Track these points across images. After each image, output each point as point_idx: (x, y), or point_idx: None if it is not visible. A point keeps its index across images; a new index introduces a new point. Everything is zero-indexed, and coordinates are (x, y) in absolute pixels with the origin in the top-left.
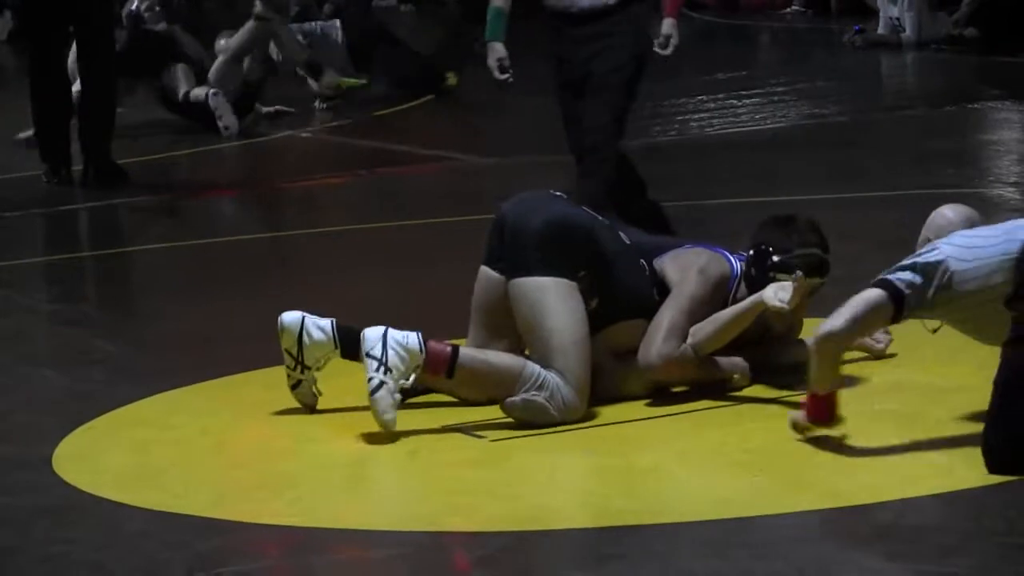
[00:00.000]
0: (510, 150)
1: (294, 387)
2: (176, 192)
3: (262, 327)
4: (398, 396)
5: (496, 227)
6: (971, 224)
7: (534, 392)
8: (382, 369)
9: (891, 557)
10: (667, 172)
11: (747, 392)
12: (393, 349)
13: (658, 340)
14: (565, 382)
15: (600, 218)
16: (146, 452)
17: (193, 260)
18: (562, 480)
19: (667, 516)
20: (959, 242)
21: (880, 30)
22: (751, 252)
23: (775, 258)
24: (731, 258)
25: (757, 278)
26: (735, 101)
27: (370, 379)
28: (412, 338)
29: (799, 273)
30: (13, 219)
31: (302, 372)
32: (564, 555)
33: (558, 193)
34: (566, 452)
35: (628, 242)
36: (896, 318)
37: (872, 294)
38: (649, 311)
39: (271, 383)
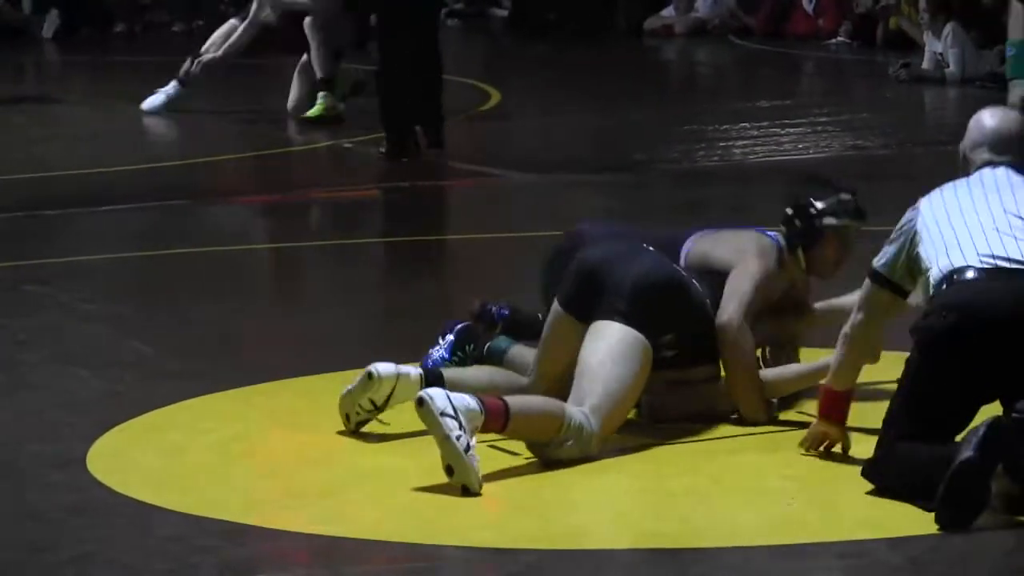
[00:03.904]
0: (551, 167)
1: (359, 426)
2: (213, 196)
3: (299, 335)
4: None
5: (582, 274)
6: (1008, 131)
7: (571, 442)
8: (464, 429)
9: None
10: (708, 197)
11: (783, 419)
12: (461, 413)
13: (731, 307)
14: (594, 425)
15: (685, 273)
16: (179, 455)
17: (233, 265)
18: (595, 500)
19: (701, 541)
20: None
21: (925, 65)
22: (790, 211)
23: (819, 204)
24: (768, 233)
25: (804, 230)
26: (778, 129)
27: (458, 437)
28: (472, 401)
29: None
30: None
31: (374, 413)
32: (595, 575)
33: (646, 246)
34: (600, 472)
35: (703, 292)
36: (897, 293)
37: (866, 282)
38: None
39: (305, 391)
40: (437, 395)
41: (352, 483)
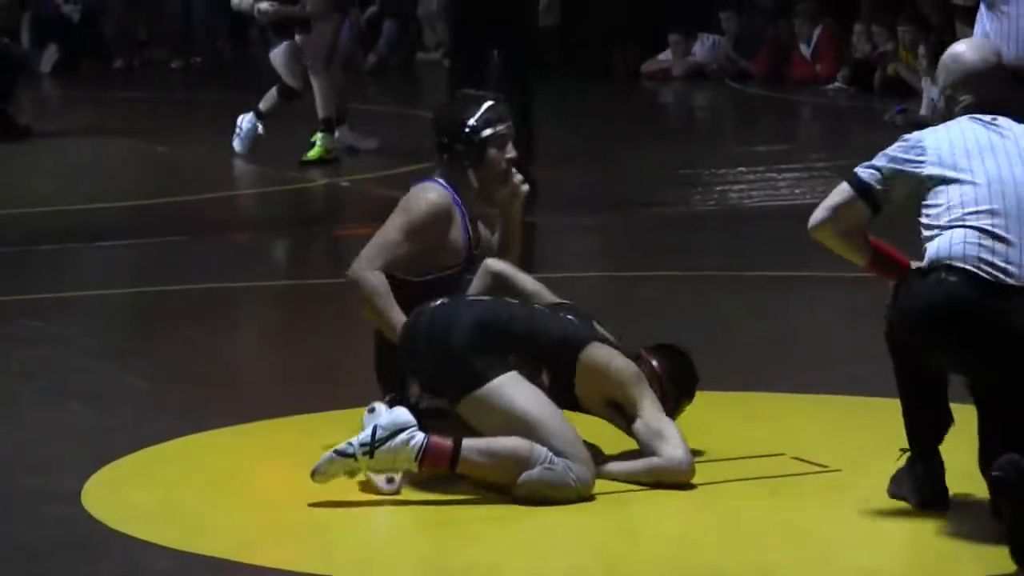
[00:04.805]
0: (544, 209)
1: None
2: (211, 233)
3: (295, 372)
4: (350, 471)
5: (416, 365)
6: (988, 66)
7: (548, 466)
8: (366, 450)
9: None
10: (704, 240)
11: (779, 469)
12: (390, 447)
13: (354, 260)
14: (572, 459)
15: (489, 299)
16: (173, 491)
17: (230, 302)
18: (588, 540)
19: None
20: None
21: (923, 111)
22: (445, 139)
23: (471, 121)
24: (423, 181)
25: (466, 151)
26: (775, 174)
27: (350, 442)
28: (415, 441)
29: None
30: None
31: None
32: None
33: (443, 300)
34: (591, 513)
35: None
36: (872, 206)
37: (841, 183)
38: (581, 338)
39: (301, 428)
40: (382, 418)
41: (345, 522)
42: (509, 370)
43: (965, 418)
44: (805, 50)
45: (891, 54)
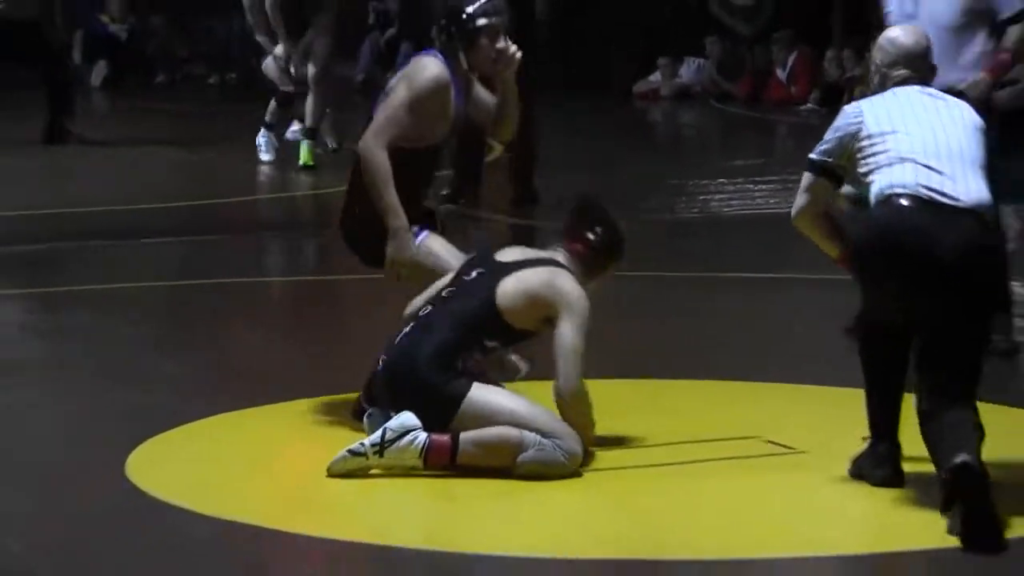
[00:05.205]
0: (545, 213)
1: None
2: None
3: (325, 358)
4: (363, 467)
5: (399, 407)
6: (920, 49)
7: (540, 448)
8: (376, 449)
9: None
10: (687, 245)
11: (753, 450)
12: (398, 446)
13: (365, 133)
14: (558, 436)
15: (430, 315)
16: (209, 465)
17: (263, 295)
18: (575, 514)
19: (665, 553)
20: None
21: None
22: (443, 21)
23: (469, 9)
24: (426, 52)
25: (460, 34)
26: (752, 185)
27: (361, 443)
28: (419, 441)
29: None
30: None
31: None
32: None
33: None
34: (579, 490)
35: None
36: (834, 180)
37: (806, 172)
38: (488, 291)
39: (325, 409)
40: (391, 421)
41: (362, 493)
42: (472, 381)
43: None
44: (781, 74)
45: (859, 77)
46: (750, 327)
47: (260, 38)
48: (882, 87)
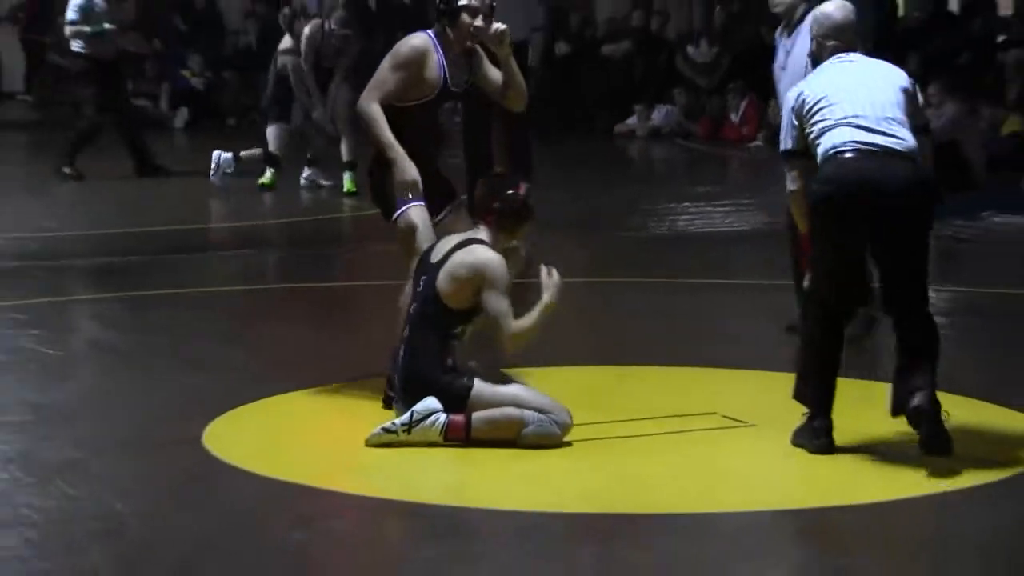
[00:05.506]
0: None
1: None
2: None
3: (359, 349)
4: (395, 440)
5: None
6: (848, 22)
7: (539, 423)
8: (405, 428)
9: (808, 550)
10: (657, 258)
11: (711, 424)
12: (423, 426)
13: (364, 93)
14: (552, 412)
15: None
16: (271, 435)
17: (310, 297)
18: (570, 477)
19: (655, 508)
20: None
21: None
22: (437, 3)
23: None
24: (426, 32)
25: (445, 11)
26: (711, 208)
27: (393, 422)
28: (440, 420)
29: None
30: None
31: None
32: (576, 535)
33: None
34: (573, 457)
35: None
36: (808, 156)
37: (784, 167)
38: (432, 278)
39: (364, 390)
40: (418, 404)
41: (392, 458)
42: (473, 376)
43: (846, 390)
44: (735, 117)
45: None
46: (708, 323)
47: (304, 99)
48: (819, 54)
